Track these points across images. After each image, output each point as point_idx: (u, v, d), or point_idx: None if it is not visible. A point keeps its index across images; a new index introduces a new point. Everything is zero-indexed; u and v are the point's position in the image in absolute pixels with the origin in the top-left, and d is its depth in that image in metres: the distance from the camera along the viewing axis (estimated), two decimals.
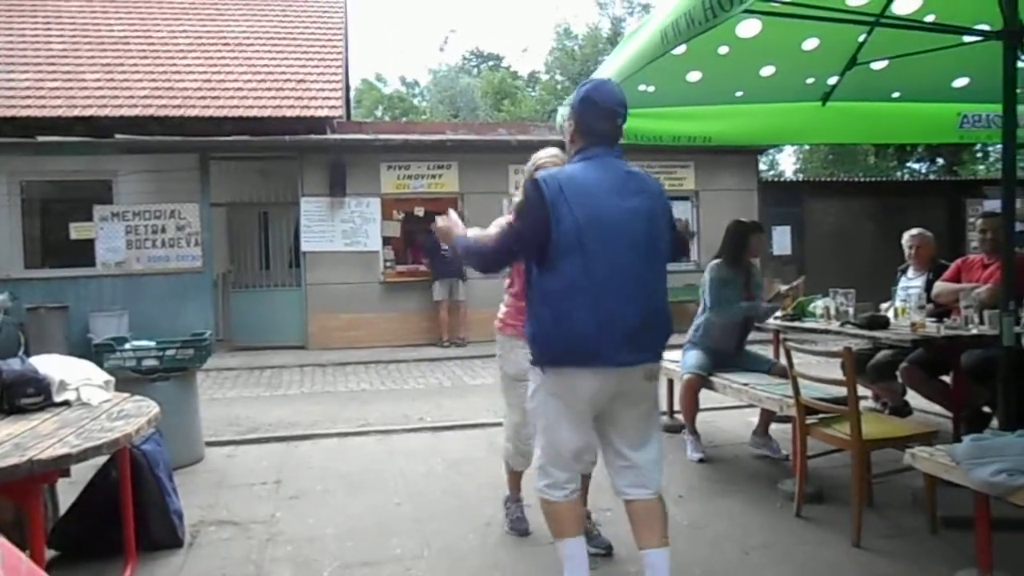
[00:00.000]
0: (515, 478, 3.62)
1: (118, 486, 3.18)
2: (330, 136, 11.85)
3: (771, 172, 28.73)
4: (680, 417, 4.98)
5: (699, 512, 3.79)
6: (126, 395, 3.46)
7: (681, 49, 3.93)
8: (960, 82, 4.77)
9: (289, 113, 11.89)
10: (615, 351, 2.41)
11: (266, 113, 11.84)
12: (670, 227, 2.63)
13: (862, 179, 17.50)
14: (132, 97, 11.81)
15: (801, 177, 21.21)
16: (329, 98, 12.49)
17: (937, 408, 5.01)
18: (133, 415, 3.01)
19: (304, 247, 11.60)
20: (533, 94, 36.45)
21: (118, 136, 10.51)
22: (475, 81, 37.06)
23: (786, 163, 32.48)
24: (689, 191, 12.75)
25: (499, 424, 5.80)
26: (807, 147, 28.79)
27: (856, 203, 14.02)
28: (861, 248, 12.98)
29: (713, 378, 4.61)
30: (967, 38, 3.94)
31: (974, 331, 4.06)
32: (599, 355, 2.41)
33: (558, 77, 35.68)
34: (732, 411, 5.67)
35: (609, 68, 3.86)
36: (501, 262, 2.76)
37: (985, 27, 3.74)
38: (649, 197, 2.54)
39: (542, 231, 2.41)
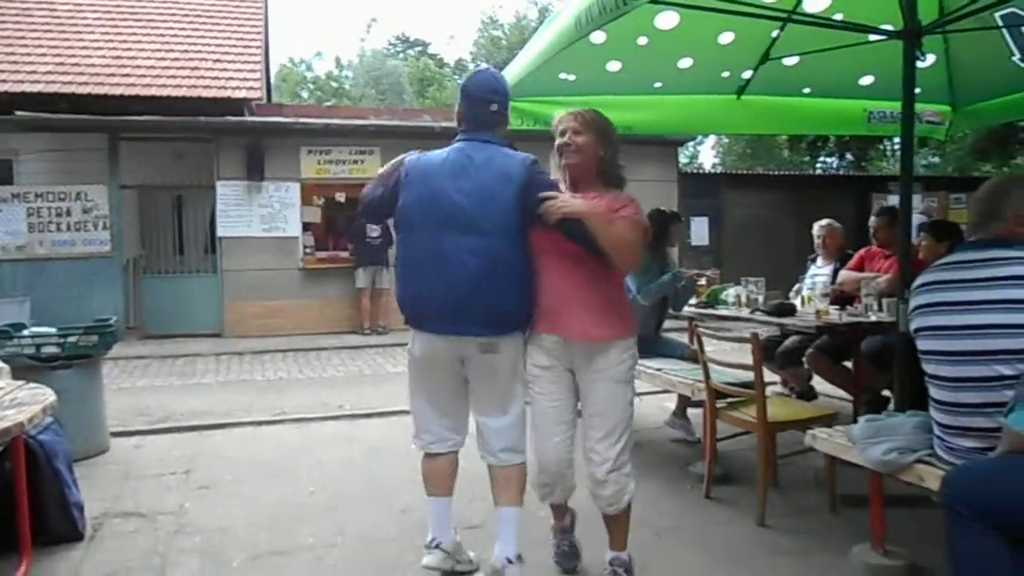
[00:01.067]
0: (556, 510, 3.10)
1: (12, 478, 3.03)
2: (248, 118, 11.52)
3: (692, 164, 29.38)
4: None
5: None
6: (20, 383, 3.29)
7: (601, 38, 3.97)
8: (866, 80, 4.94)
9: (205, 93, 11.50)
10: (436, 320, 2.67)
11: (180, 93, 11.42)
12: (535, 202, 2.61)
13: (777, 172, 18.05)
14: (34, 72, 11.22)
15: (720, 169, 21.76)
16: (247, 79, 12.13)
17: (841, 392, 5.23)
18: (27, 403, 2.87)
19: (220, 232, 11.26)
20: (460, 82, 36.27)
21: (19, 113, 9.97)
22: (402, 65, 36.62)
23: (706, 156, 33.24)
24: None
25: None
26: (726, 140, 29.53)
27: (771, 195, 14.45)
28: (775, 238, 13.39)
29: None
30: (872, 37, 4.08)
31: (873, 318, 4.25)
32: (422, 322, 2.72)
33: (483, 65, 35.59)
34: (647, 396, 5.77)
35: (528, 54, 3.86)
36: (366, 216, 3.17)
37: (888, 27, 3.89)
38: (499, 179, 2.62)
39: (388, 204, 2.78)
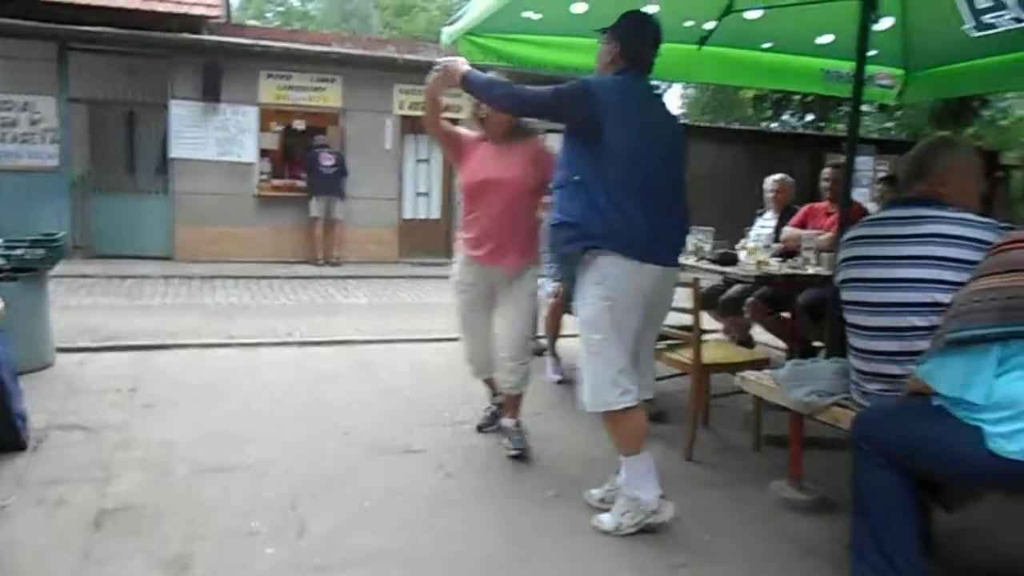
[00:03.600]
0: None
1: None
2: (206, 37, 11.18)
3: None
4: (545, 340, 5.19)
5: (551, 428, 4.00)
6: None
7: None
8: (825, 39, 4.98)
9: (160, 7, 11.07)
10: (666, 254, 2.85)
11: (134, 5, 10.98)
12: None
13: (737, 127, 18.19)
14: None
15: (683, 121, 21.82)
16: None
17: (780, 342, 5.43)
18: None
19: (173, 153, 11.02)
20: (429, 12, 35.30)
21: None
22: None
23: (671, 107, 33.14)
24: None
25: (370, 341, 5.87)
26: (692, 93, 29.51)
27: (730, 149, 14.63)
28: (732, 191, 13.56)
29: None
30: None
31: (811, 271, 4.41)
32: (655, 255, 2.76)
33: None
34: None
35: None
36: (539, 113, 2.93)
37: None
38: (675, 122, 3.17)
39: (594, 128, 2.68)
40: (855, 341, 2.56)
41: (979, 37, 4.55)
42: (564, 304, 4.83)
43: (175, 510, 2.87)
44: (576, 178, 2.71)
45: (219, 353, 5.35)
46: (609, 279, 2.68)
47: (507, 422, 3.67)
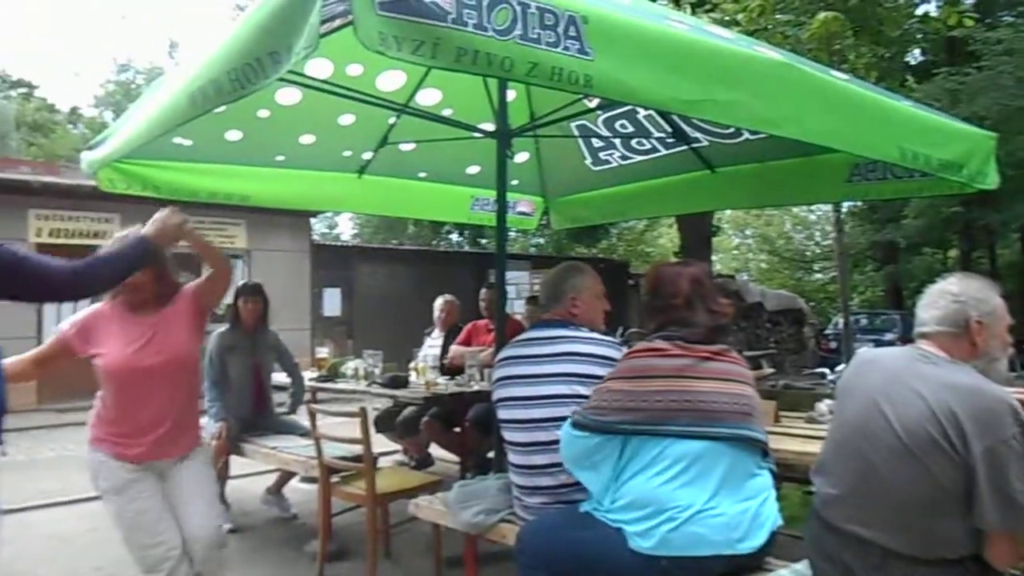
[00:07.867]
0: None
1: None
2: None
3: (331, 234, 29.67)
4: None
5: None
6: None
7: (219, 107, 3.85)
8: (473, 169, 5.44)
9: None
10: None
11: None
12: None
13: (405, 247, 19.01)
14: None
15: (355, 242, 22.27)
16: None
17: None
18: None
19: None
20: (75, 131, 32.42)
21: None
22: (8, 106, 31.58)
23: (345, 226, 33.73)
24: (240, 249, 12.45)
25: None
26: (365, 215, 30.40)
27: (400, 268, 15.12)
28: (405, 310, 13.95)
29: (243, 443, 4.49)
30: (476, 134, 4.53)
31: (476, 387, 4.62)
32: None
33: (108, 115, 32.28)
34: (269, 476, 5.54)
35: (138, 117, 3.57)
36: None
37: (487, 126, 4.35)
38: None
39: None
40: (512, 457, 2.68)
41: (598, 171, 5.34)
42: (229, 445, 4.48)
43: None
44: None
45: None
46: None
47: None
